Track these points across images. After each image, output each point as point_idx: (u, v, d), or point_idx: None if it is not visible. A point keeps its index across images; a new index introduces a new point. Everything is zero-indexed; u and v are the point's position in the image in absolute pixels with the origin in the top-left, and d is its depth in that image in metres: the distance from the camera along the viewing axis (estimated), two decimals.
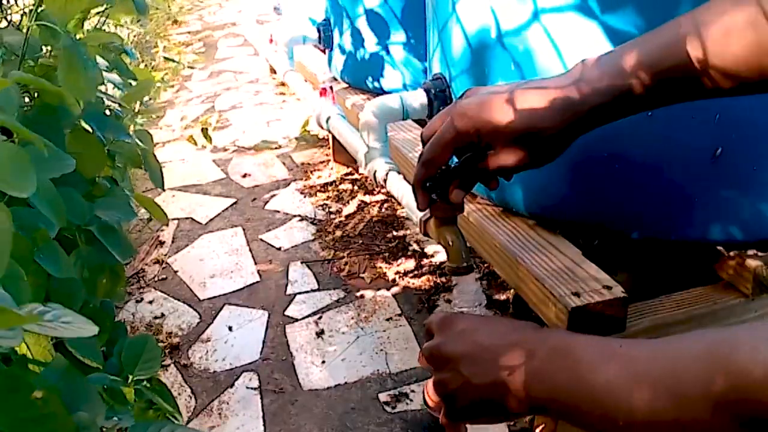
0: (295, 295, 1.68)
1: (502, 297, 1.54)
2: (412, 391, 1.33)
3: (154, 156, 1.06)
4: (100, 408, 0.52)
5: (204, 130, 1.27)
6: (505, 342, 0.50)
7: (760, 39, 0.47)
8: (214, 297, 1.70)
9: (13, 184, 0.48)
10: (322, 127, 1.41)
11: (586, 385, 0.44)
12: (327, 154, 2.45)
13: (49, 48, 0.95)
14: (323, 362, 1.43)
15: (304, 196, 2.19)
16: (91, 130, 0.89)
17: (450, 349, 0.53)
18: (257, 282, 1.75)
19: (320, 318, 1.58)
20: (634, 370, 0.42)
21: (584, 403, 0.44)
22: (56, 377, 0.51)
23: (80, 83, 0.75)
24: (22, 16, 1.03)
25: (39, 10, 0.78)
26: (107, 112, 0.95)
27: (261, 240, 1.96)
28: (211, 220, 2.10)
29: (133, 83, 1.15)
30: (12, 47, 0.84)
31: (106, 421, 0.54)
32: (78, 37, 0.88)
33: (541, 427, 0.76)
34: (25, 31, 0.78)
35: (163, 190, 1.05)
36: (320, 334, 1.52)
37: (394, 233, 1.91)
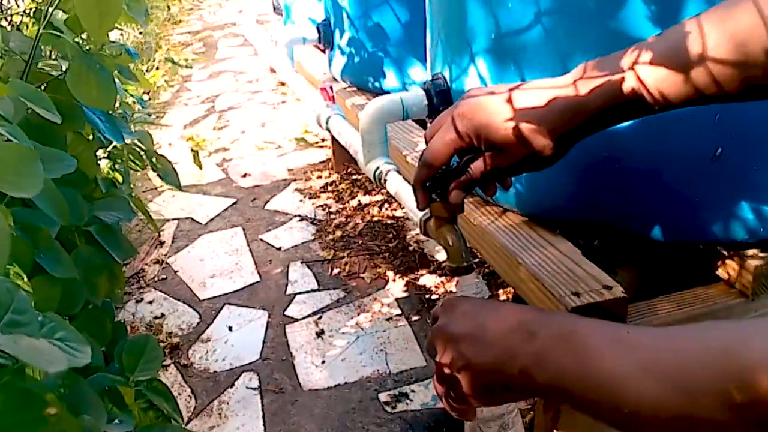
0: (295, 295, 1.68)
1: (502, 297, 1.54)
2: (412, 391, 1.33)
3: (164, 157, 1.06)
4: (100, 412, 0.52)
5: (195, 154, 1.26)
6: (508, 323, 0.50)
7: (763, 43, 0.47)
8: (214, 297, 1.70)
9: (20, 184, 0.47)
10: (322, 127, 1.41)
11: (590, 371, 0.43)
12: (327, 155, 2.45)
13: (51, 50, 0.95)
14: (323, 362, 1.43)
15: (304, 196, 2.19)
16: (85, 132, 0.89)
17: (453, 329, 0.52)
18: (257, 282, 1.75)
19: (320, 318, 1.58)
20: (642, 357, 0.41)
21: (588, 388, 0.43)
22: (57, 381, 0.51)
23: (94, 95, 0.76)
24: (22, 16, 1.03)
25: (49, 14, 0.78)
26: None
27: (261, 240, 1.96)
28: (211, 220, 2.10)
29: (135, 84, 1.15)
30: (14, 50, 0.84)
31: (107, 425, 0.54)
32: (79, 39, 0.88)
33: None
34: (35, 36, 0.78)
35: (180, 189, 1.06)
36: (320, 334, 1.52)
37: (394, 233, 1.91)
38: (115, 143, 1.04)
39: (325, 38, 1.78)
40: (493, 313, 0.52)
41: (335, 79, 1.83)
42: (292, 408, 1.31)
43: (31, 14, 1.02)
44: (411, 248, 1.83)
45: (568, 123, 0.56)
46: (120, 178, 1.14)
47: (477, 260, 1.46)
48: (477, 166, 0.62)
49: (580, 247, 0.84)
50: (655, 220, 0.82)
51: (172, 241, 1.99)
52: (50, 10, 0.78)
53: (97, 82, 0.75)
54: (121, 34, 3.31)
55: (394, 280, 1.70)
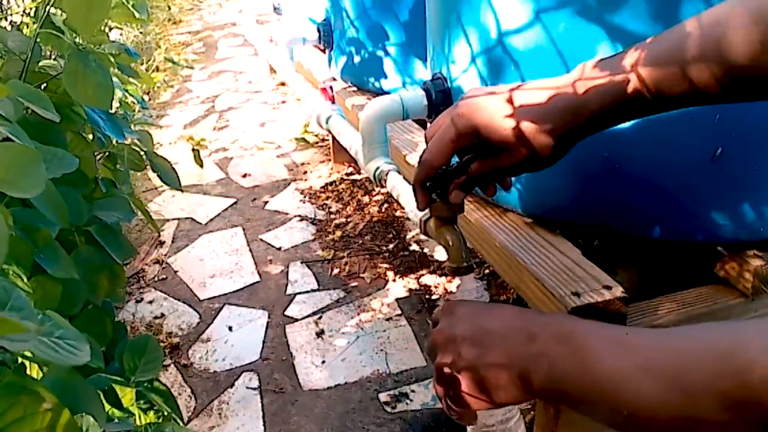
0: (295, 295, 1.68)
1: (503, 297, 1.54)
2: (412, 391, 1.33)
3: (164, 158, 1.06)
4: (100, 411, 0.52)
5: (195, 153, 1.27)
6: (508, 325, 0.50)
7: (762, 39, 0.47)
8: (214, 297, 1.70)
9: (21, 185, 0.47)
10: (322, 127, 1.41)
11: (589, 372, 0.43)
12: (327, 154, 2.45)
13: (50, 49, 0.95)
14: (323, 362, 1.43)
15: (304, 196, 2.19)
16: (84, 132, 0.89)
17: (453, 332, 0.52)
18: (257, 282, 1.75)
19: (320, 318, 1.58)
20: (641, 358, 0.41)
21: (587, 389, 0.43)
22: (57, 380, 0.51)
23: (91, 94, 0.75)
24: (22, 16, 1.03)
25: (46, 13, 0.77)
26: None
27: (261, 240, 1.96)
28: (211, 220, 2.10)
29: (135, 83, 1.15)
30: (14, 50, 0.83)
31: (106, 424, 0.54)
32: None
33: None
34: (33, 36, 0.78)
35: (181, 191, 1.06)
36: (320, 334, 1.52)
37: (394, 233, 1.91)
38: (114, 143, 1.04)
39: (325, 38, 1.78)
40: (493, 316, 0.52)
41: (335, 79, 1.83)
42: (292, 408, 1.31)
43: (32, 14, 1.02)
44: (411, 248, 1.83)
45: (569, 123, 0.56)
46: (122, 179, 1.14)
47: (477, 260, 1.46)
48: (477, 166, 0.62)
49: (580, 247, 0.84)
50: (655, 220, 0.82)
51: (172, 241, 1.99)
52: (48, 8, 0.78)
53: (94, 80, 0.75)
54: (121, 34, 3.32)
55: (394, 280, 1.70)
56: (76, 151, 0.84)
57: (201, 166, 1.29)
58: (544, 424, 0.85)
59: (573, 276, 0.78)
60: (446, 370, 0.52)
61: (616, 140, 0.77)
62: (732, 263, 0.83)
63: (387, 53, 1.61)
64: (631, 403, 0.40)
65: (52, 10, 0.83)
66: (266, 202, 2.19)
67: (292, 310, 1.62)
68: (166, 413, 0.69)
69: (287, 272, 1.78)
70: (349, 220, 2.00)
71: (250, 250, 1.91)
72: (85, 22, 0.68)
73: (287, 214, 2.10)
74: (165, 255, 1.91)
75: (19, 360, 0.49)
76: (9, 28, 1.01)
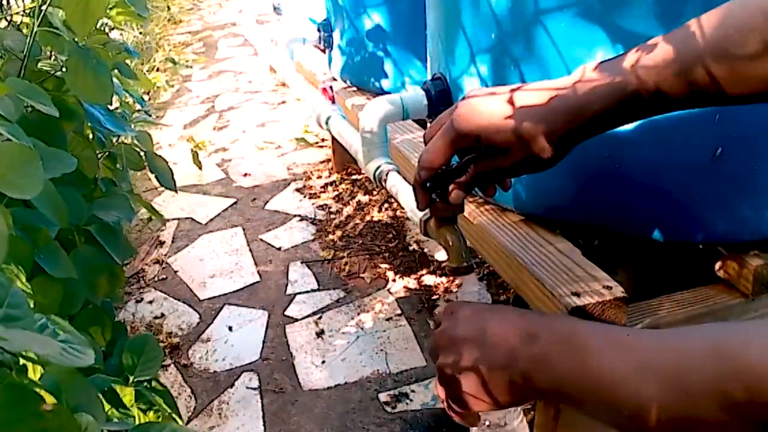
0: (295, 295, 1.68)
1: (502, 297, 1.54)
2: (412, 391, 1.33)
3: (162, 158, 1.06)
4: (99, 411, 0.52)
5: (194, 155, 1.27)
6: (510, 326, 0.50)
7: (764, 39, 0.47)
8: (214, 297, 1.70)
9: (20, 185, 0.47)
10: (322, 127, 1.41)
11: (590, 373, 0.43)
12: (327, 155, 2.45)
13: (49, 49, 0.95)
14: (323, 362, 1.43)
15: (304, 196, 2.19)
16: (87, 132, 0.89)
17: (454, 333, 0.53)
18: (257, 282, 1.75)
19: (320, 318, 1.58)
20: (642, 359, 0.41)
21: (588, 390, 0.43)
22: (57, 381, 0.51)
23: (91, 89, 0.75)
24: (22, 16, 1.03)
25: (43, 12, 0.77)
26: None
27: (261, 240, 1.96)
28: (211, 220, 2.10)
29: (135, 84, 1.14)
30: (13, 49, 0.83)
31: (105, 423, 0.54)
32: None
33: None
34: (30, 34, 0.78)
35: (176, 192, 1.06)
36: (320, 334, 1.52)
37: (394, 233, 1.91)
38: (114, 143, 1.04)
39: (325, 38, 1.78)
40: (495, 317, 0.52)
41: (335, 79, 1.83)
42: (292, 408, 1.31)
43: (31, 14, 1.02)
44: (411, 248, 1.83)
45: (569, 124, 0.56)
46: (121, 178, 1.14)
47: (477, 260, 1.46)
48: (477, 166, 0.62)
49: (580, 247, 0.84)
50: (655, 220, 0.82)
51: (172, 241, 1.99)
52: (44, 7, 0.78)
53: (93, 76, 0.75)
54: (121, 35, 3.31)
55: (394, 280, 1.70)
56: (76, 151, 0.84)
57: (200, 167, 1.29)
58: (544, 425, 0.85)
59: (573, 276, 0.78)
60: (448, 371, 0.52)
61: (616, 141, 0.77)
62: (732, 263, 0.83)
63: (387, 53, 1.61)
64: (632, 403, 0.40)
65: (52, 9, 0.83)
66: (266, 202, 2.19)
67: (292, 310, 1.62)
68: (166, 413, 0.69)
69: (287, 272, 1.78)
70: (349, 220, 2.00)
71: (250, 250, 1.91)
72: (82, 19, 0.68)
73: (287, 214, 2.10)
74: (165, 255, 1.91)
75: (21, 361, 0.49)
76: (9, 28, 1.01)
